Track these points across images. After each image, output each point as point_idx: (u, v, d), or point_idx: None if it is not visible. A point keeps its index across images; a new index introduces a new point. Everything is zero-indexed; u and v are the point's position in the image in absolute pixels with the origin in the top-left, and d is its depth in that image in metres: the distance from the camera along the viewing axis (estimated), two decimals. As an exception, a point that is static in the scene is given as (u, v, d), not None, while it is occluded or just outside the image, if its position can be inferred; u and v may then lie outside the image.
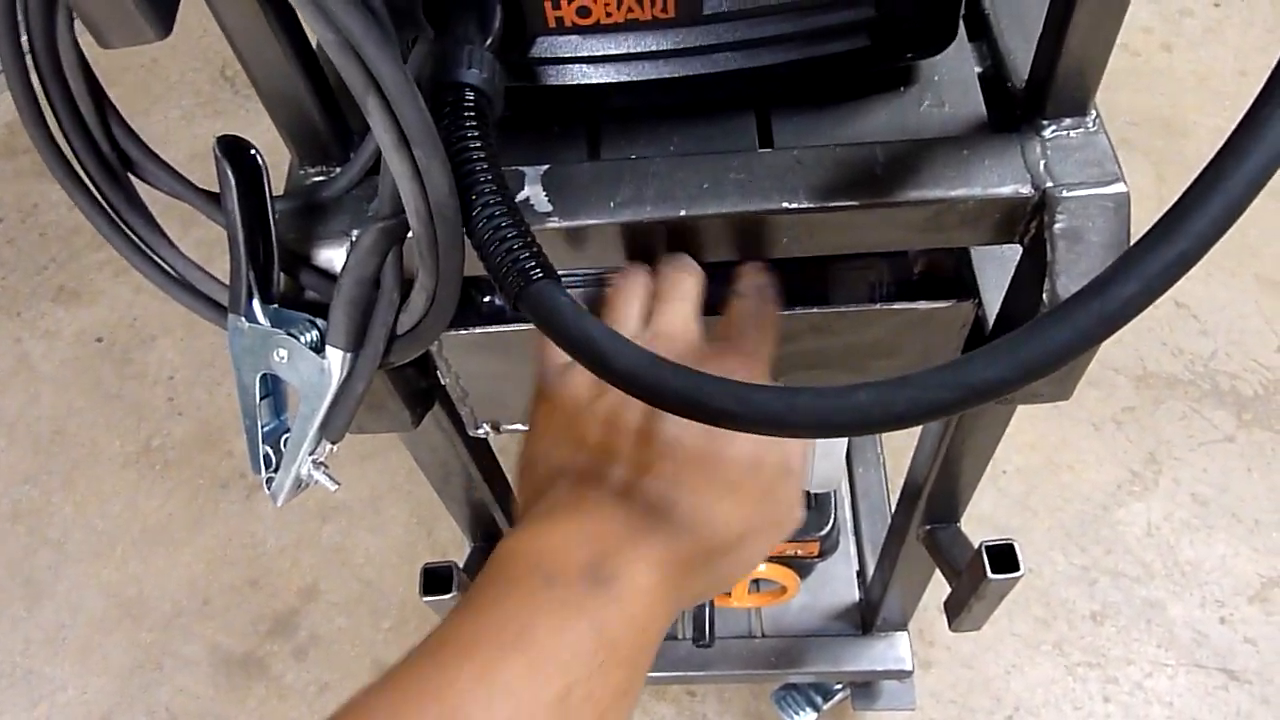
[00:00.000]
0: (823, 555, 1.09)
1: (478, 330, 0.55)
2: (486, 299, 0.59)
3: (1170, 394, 1.48)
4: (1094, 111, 0.49)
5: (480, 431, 0.65)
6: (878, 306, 0.54)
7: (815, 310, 0.54)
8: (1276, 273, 1.57)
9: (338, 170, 0.51)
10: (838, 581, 1.15)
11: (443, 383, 0.60)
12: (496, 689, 0.33)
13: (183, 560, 1.44)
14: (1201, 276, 1.57)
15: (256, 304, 0.45)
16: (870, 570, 1.13)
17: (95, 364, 1.64)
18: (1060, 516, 1.40)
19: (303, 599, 1.40)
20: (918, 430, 0.77)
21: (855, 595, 1.15)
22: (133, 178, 0.47)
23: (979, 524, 1.39)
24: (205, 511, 1.48)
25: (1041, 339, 0.31)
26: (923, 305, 0.54)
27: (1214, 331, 1.53)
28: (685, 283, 0.48)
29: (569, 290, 0.38)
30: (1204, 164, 0.30)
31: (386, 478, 1.48)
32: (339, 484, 0.49)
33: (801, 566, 1.11)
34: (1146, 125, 1.74)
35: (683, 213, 0.48)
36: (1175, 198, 0.30)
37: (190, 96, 1.96)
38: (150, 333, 1.65)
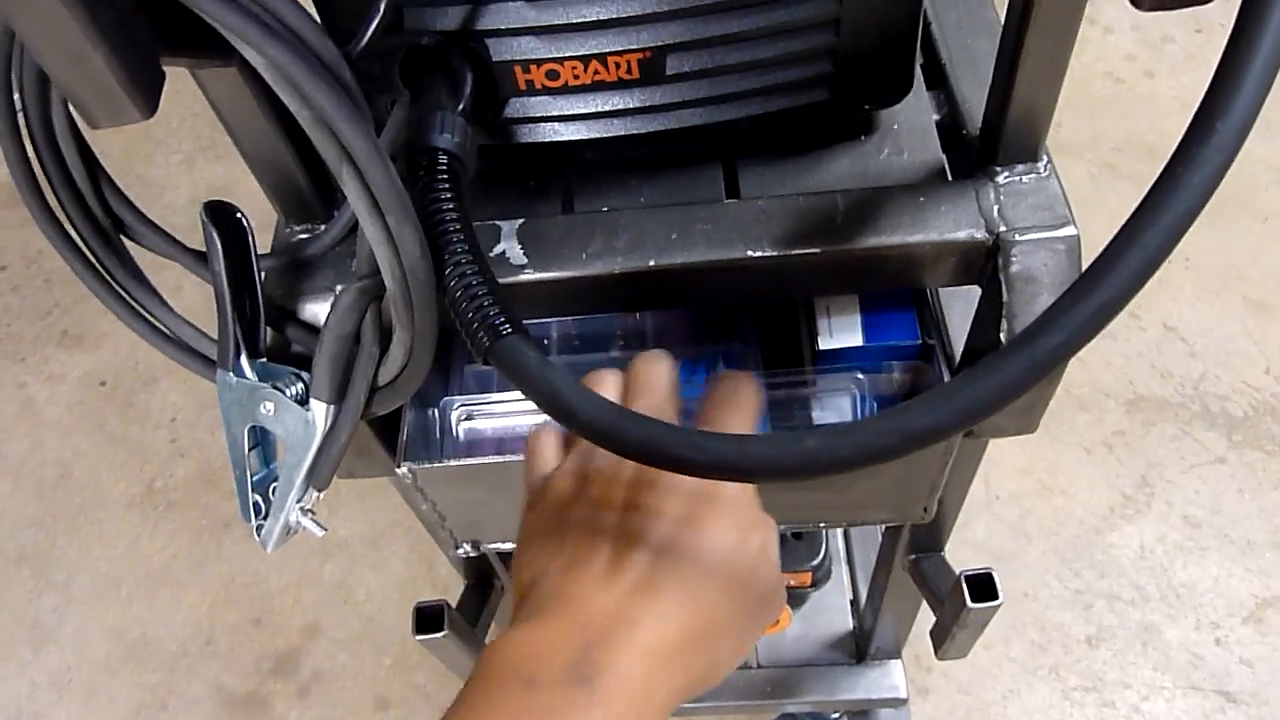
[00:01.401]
0: (815, 585, 1.10)
1: (451, 464, 0.57)
2: (462, 424, 0.61)
3: (1161, 416, 1.49)
4: (1045, 157, 0.51)
5: (460, 551, 0.67)
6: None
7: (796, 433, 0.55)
8: (1262, 294, 1.59)
9: (322, 228, 0.53)
10: (832, 610, 1.16)
11: (419, 510, 0.62)
12: None
13: (186, 600, 1.46)
14: (1189, 299, 1.59)
15: (244, 359, 0.47)
16: (864, 598, 1.15)
17: (99, 407, 1.67)
18: (1054, 541, 1.41)
19: (305, 637, 1.41)
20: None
21: (849, 624, 1.16)
22: (125, 239, 0.49)
23: (973, 550, 1.40)
24: (208, 551, 1.49)
25: (976, 387, 0.33)
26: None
27: (1202, 354, 1.54)
28: (657, 371, 0.47)
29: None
30: None
31: (387, 514, 1.50)
32: (326, 529, 0.51)
33: (795, 596, 1.13)
34: (1131, 150, 1.76)
35: (652, 263, 0.50)
36: None
37: (191, 141, 1.99)
38: (152, 375, 1.67)
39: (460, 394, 0.63)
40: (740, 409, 0.46)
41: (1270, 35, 0.31)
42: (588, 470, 0.44)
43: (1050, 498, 1.44)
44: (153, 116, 0.38)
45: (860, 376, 0.61)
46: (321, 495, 0.50)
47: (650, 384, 0.46)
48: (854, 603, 1.18)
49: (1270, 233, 1.65)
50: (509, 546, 0.67)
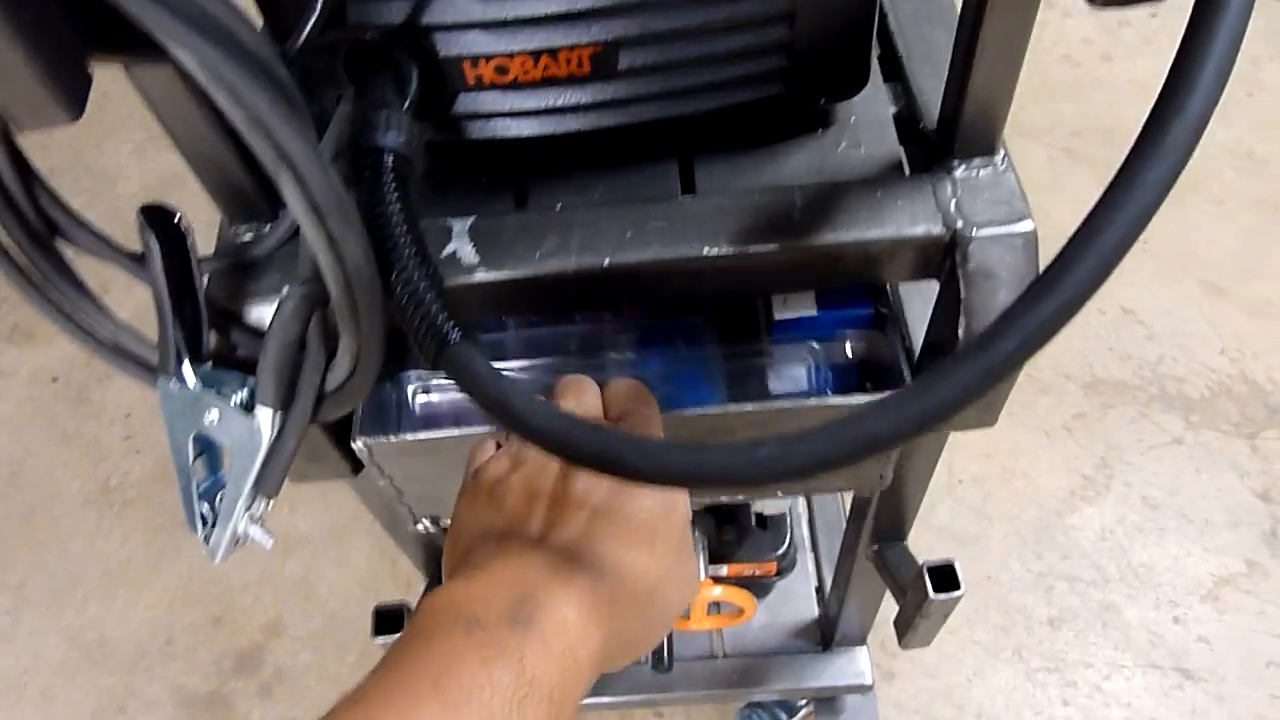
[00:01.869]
0: (781, 574, 1.10)
1: (409, 437, 0.56)
2: (418, 398, 0.60)
3: (1119, 399, 1.51)
4: (1002, 150, 0.51)
5: (420, 527, 0.66)
6: (812, 401, 0.55)
7: (751, 407, 0.55)
8: (1217, 277, 1.61)
9: (267, 228, 0.52)
10: (797, 599, 1.16)
11: (378, 484, 0.61)
12: None
13: (144, 601, 1.43)
14: (1146, 282, 1.61)
15: (186, 366, 0.46)
16: (829, 585, 1.15)
17: (51, 404, 1.63)
18: (1016, 524, 1.42)
19: (267, 635, 1.39)
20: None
21: (815, 611, 1.16)
22: (60, 241, 0.48)
23: (937, 534, 1.41)
24: (166, 550, 1.47)
25: (932, 393, 0.32)
26: (859, 399, 0.55)
27: (1160, 336, 1.56)
28: (584, 384, 0.51)
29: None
30: None
31: (348, 510, 1.48)
32: (274, 539, 0.50)
33: (760, 586, 1.13)
34: (1089, 135, 1.77)
35: (606, 261, 0.49)
36: None
37: (141, 130, 1.95)
38: (105, 371, 1.63)
39: (416, 367, 0.62)
40: (644, 399, 0.50)
41: (1225, 31, 0.30)
42: (522, 453, 0.47)
43: (1011, 481, 1.45)
44: (80, 118, 0.37)
45: (815, 346, 0.61)
46: (271, 503, 0.49)
47: (580, 387, 0.49)
48: (819, 590, 1.18)
49: (1225, 216, 1.67)
50: None
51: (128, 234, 0.48)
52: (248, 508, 0.48)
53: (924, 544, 1.42)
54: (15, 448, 1.59)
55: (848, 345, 0.61)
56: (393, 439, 0.57)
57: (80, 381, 1.65)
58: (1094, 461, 1.46)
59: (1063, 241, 0.33)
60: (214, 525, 0.49)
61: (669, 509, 0.44)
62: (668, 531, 0.44)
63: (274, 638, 1.39)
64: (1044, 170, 1.74)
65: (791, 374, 0.61)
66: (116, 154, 1.92)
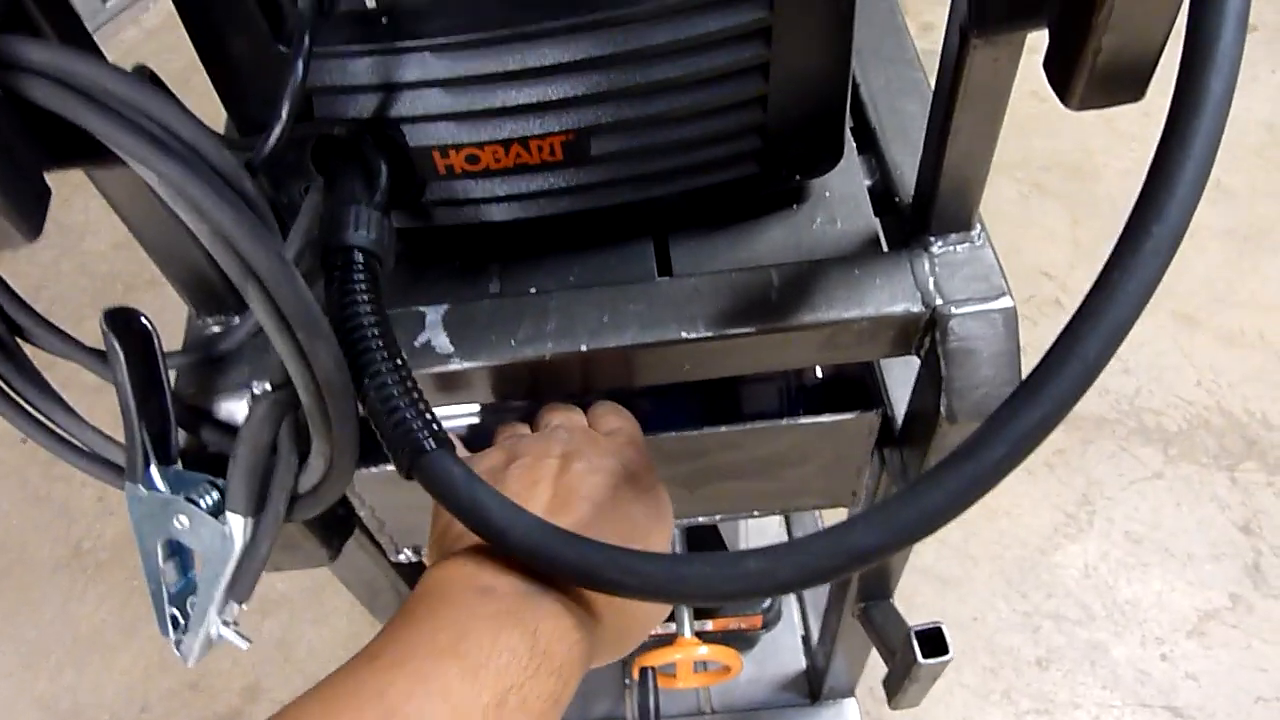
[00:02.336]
0: (766, 627, 1.09)
1: (387, 467, 0.54)
2: None
3: (1098, 434, 1.51)
4: (979, 225, 0.51)
5: (402, 557, 0.65)
6: (784, 422, 0.55)
7: (724, 429, 0.55)
8: (1190, 308, 1.62)
9: (235, 320, 0.51)
10: (784, 651, 1.15)
11: (359, 514, 0.60)
12: (434, 693, 0.33)
13: (119, 666, 1.40)
14: (1121, 316, 1.61)
15: (154, 470, 0.45)
16: (815, 636, 1.14)
17: (21, 466, 1.60)
18: (1000, 563, 1.42)
19: (245, 699, 1.36)
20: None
21: (802, 663, 1.15)
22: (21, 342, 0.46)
23: (921, 576, 1.41)
24: (140, 614, 1.44)
25: (918, 505, 0.32)
26: (828, 418, 0.55)
27: (1136, 369, 1.56)
28: (568, 406, 0.51)
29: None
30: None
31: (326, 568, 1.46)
32: (250, 641, 0.48)
33: (746, 640, 1.12)
34: (1058, 170, 1.79)
35: (583, 347, 0.49)
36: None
37: (111, 184, 1.93)
38: (77, 430, 1.61)
39: None
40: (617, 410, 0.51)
41: (1203, 136, 0.30)
42: (518, 446, 0.46)
43: (995, 520, 1.45)
44: (38, 238, 0.36)
45: None
46: (243, 607, 0.47)
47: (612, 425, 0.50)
48: (805, 640, 1.17)
49: (1194, 247, 1.68)
50: None
51: (96, 290, 0.47)
52: (220, 612, 0.46)
53: (908, 585, 1.41)
54: (-16, 511, 1.56)
55: (817, 365, 0.60)
56: (374, 470, 0.55)
57: (51, 441, 1.62)
58: (1075, 498, 1.46)
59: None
60: (186, 630, 0.47)
61: (660, 515, 0.46)
62: (661, 532, 0.45)
63: (252, 702, 1.36)
64: (1015, 205, 1.75)
65: (763, 394, 0.61)
66: (86, 208, 1.90)
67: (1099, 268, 0.32)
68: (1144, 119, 1.83)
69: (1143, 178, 0.31)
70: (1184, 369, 1.57)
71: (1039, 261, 1.65)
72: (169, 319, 0.53)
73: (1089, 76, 0.33)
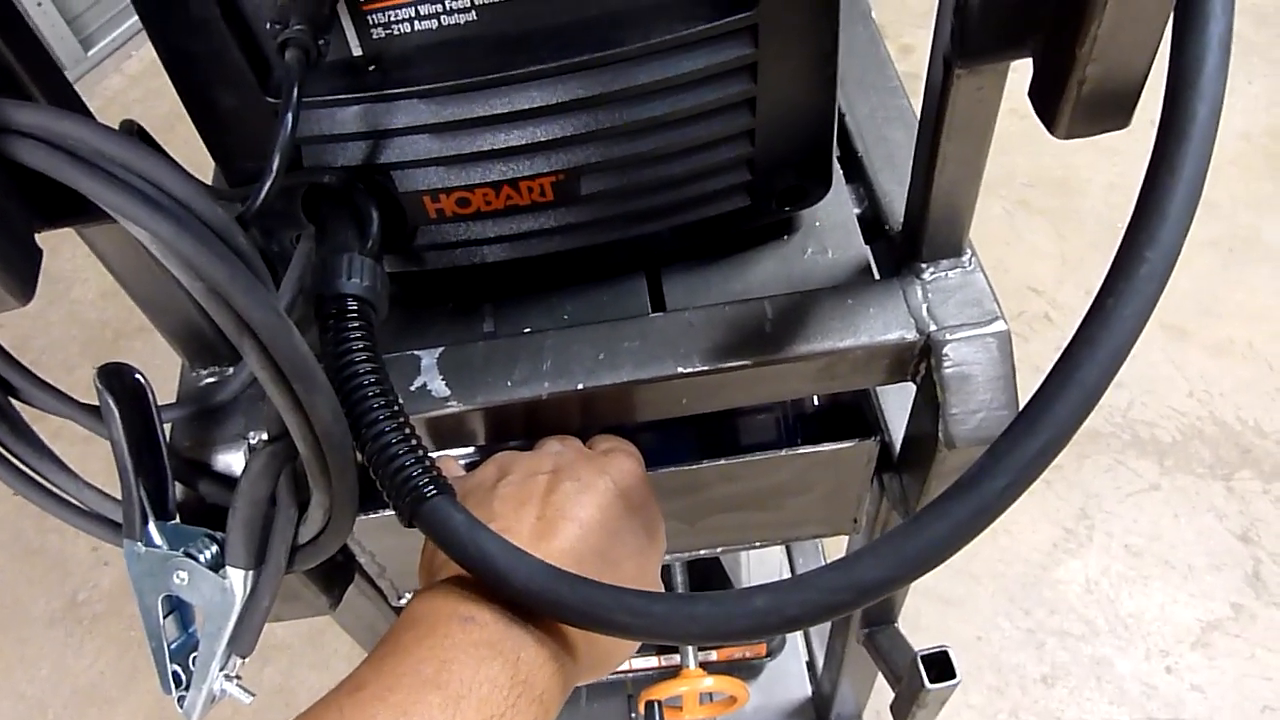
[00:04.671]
0: (771, 654, 1.09)
1: (386, 513, 0.54)
2: None
3: (1094, 448, 1.51)
4: (969, 250, 0.51)
5: (403, 601, 0.64)
6: (783, 452, 0.55)
7: (723, 462, 0.54)
8: (1178, 319, 1.63)
9: (230, 370, 0.50)
10: (789, 678, 1.14)
11: (359, 560, 0.59)
12: None
13: (117, 719, 1.38)
14: (1110, 329, 1.62)
15: (152, 526, 0.44)
16: (820, 662, 1.13)
17: (14, 518, 1.59)
18: (1003, 581, 1.41)
19: (247, 747, 1.35)
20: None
21: (808, 690, 1.14)
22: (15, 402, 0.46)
23: (923, 596, 1.40)
24: (139, 665, 1.42)
25: (923, 537, 0.32)
26: (827, 447, 0.55)
27: (1128, 383, 1.57)
28: (565, 437, 0.51)
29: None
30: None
31: (325, 609, 1.45)
32: (254, 695, 0.48)
33: (751, 669, 1.11)
34: (1042, 186, 1.80)
35: (580, 386, 0.49)
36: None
37: (98, 232, 1.93)
38: (70, 480, 1.60)
39: None
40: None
41: (1192, 160, 0.30)
42: (508, 463, 0.46)
43: (995, 538, 1.45)
44: (31, 300, 0.36)
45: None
46: (246, 660, 0.47)
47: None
48: (810, 666, 1.16)
49: (1181, 259, 1.68)
50: None
51: (86, 339, 0.47)
52: (222, 667, 0.46)
53: (911, 606, 1.39)
54: (-23, 566, 1.55)
55: (813, 395, 0.60)
56: (373, 516, 0.55)
57: (43, 493, 1.60)
58: (1074, 513, 1.46)
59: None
60: (188, 686, 0.47)
61: (653, 532, 0.46)
62: (654, 550, 0.46)
63: (254, 750, 1.34)
64: (1001, 223, 1.76)
65: (761, 425, 0.60)
66: (73, 257, 1.89)
67: (1087, 282, 0.32)
68: (1126, 134, 1.83)
69: (1127, 192, 0.32)
70: (1176, 380, 1.57)
71: (1027, 278, 1.65)
72: (160, 365, 0.53)
73: (1075, 106, 0.34)
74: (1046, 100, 0.35)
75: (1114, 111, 0.34)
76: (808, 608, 0.32)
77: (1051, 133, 0.35)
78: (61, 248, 1.91)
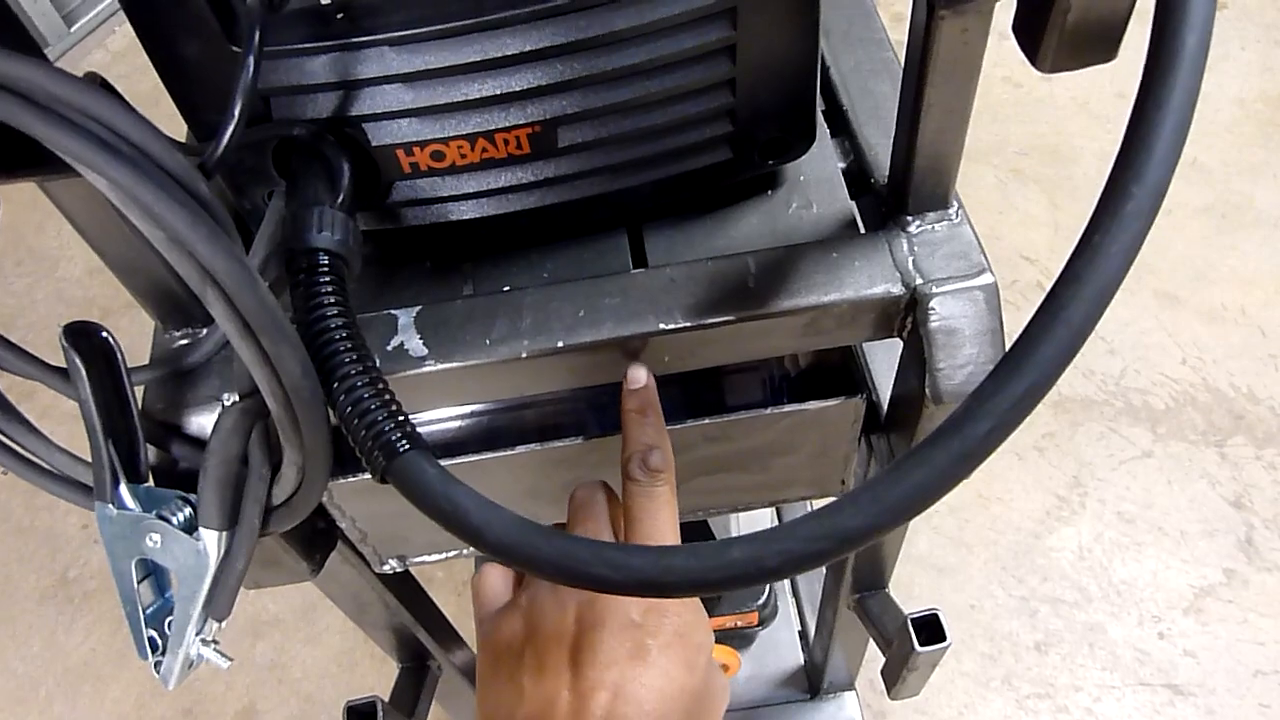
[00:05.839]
0: (763, 624, 1.08)
1: (366, 476, 0.53)
2: None
3: (1086, 415, 1.51)
4: (955, 203, 0.50)
5: (387, 568, 0.63)
6: (769, 411, 0.54)
7: (708, 421, 0.54)
8: (1171, 286, 1.62)
9: (203, 331, 0.49)
10: (781, 647, 1.14)
11: (340, 525, 0.59)
12: None
13: (110, 696, 1.38)
14: (1103, 297, 1.61)
15: (124, 488, 0.43)
16: (812, 631, 1.13)
17: (3, 496, 1.58)
18: (995, 549, 1.41)
19: (240, 722, 1.35)
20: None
21: (800, 659, 1.14)
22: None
23: (917, 565, 1.40)
24: (130, 642, 1.41)
25: (906, 483, 0.31)
26: (813, 405, 0.54)
27: (1121, 350, 1.56)
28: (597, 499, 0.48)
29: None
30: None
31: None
32: (231, 660, 0.47)
33: (743, 637, 1.11)
34: (1035, 154, 1.79)
35: (560, 343, 0.48)
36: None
37: (83, 209, 1.91)
38: (58, 458, 1.59)
39: None
40: (594, 518, 0.47)
41: (1179, 93, 0.29)
42: (534, 612, 0.44)
43: (988, 506, 1.45)
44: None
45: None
46: (223, 625, 0.46)
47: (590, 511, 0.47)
48: (803, 635, 1.16)
49: (1173, 225, 1.68)
50: (436, 559, 0.64)
51: (72, 317, 0.46)
52: (198, 632, 0.45)
53: (904, 574, 1.40)
54: (-33, 545, 1.54)
55: (799, 351, 0.59)
56: (352, 479, 0.54)
57: (32, 471, 1.60)
58: (1067, 480, 1.46)
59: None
60: (164, 651, 0.46)
61: (690, 666, 0.42)
62: (692, 688, 0.42)
63: (248, 725, 1.34)
64: (994, 192, 1.75)
65: (746, 386, 0.60)
66: (59, 234, 1.88)
67: None
68: (1119, 100, 1.83)
69: None
70: (1168, 347, 1.57)
71: (1019, 246, 1.64)
72: (146, 341, 0.52)
73: (1059, 38, 0.32)
74: (1030, 32, 0.34)
75: (1099, 44, 0.33)
76: (787, 557, 0.32)
77: (1035, 66, 0.34)
78: (47, 224, 1.90)
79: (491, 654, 0.45)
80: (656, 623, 0.42)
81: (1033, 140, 1.81)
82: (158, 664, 0.46)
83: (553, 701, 0.41)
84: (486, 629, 0.46)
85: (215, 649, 0.46)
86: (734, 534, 1.00)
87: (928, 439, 0.31)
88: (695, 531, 0.96)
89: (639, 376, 0.49)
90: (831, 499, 0.66)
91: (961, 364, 0.48)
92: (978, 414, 0.30)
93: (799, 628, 1.18)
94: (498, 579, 0.48)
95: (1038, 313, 0.31)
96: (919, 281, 0.48)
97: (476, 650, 0.47)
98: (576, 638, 0.42)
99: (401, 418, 0.38)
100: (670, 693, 0.41)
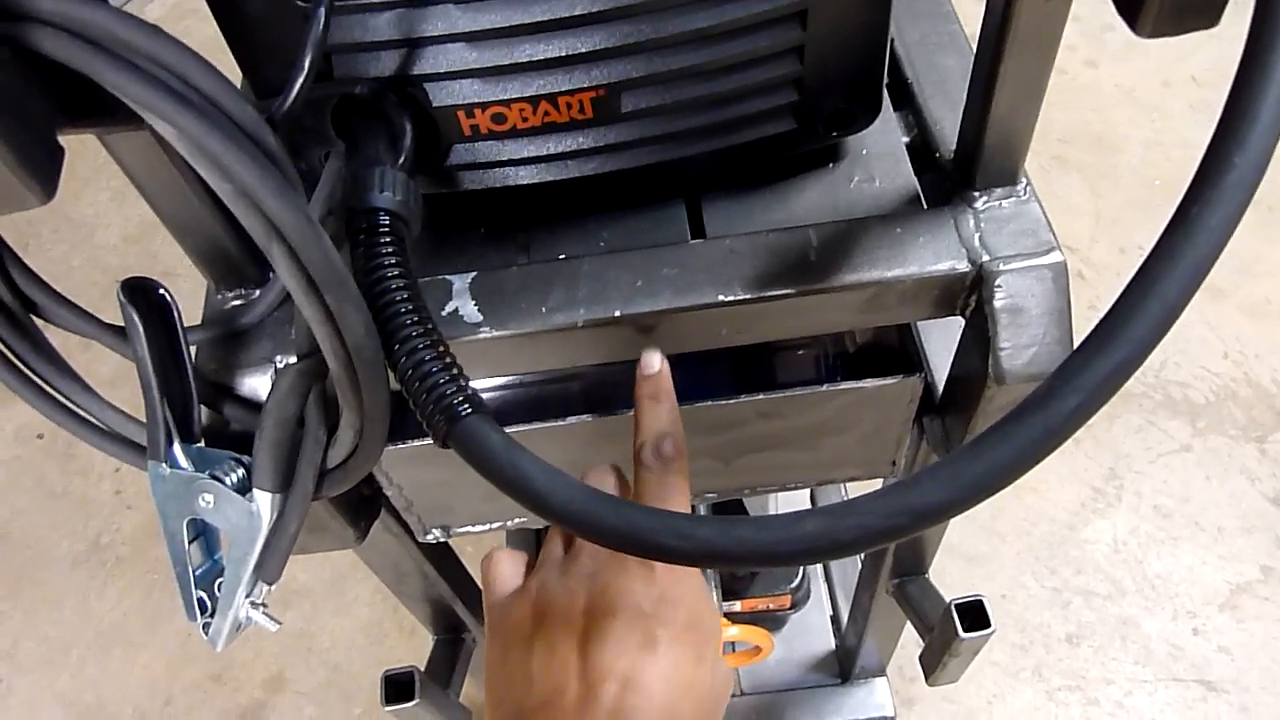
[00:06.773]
0: (795, 607, 1.08)
1: (415, 443, 0.53)
2: None
3: (1125, 408, 1.49)
4: (1024, 180, 0.49)
5: (430, 537, 0.63)
6: (824, 388, 0.53)
7: (762, 396, 0.53)
8: (1214, 279, 1.57)
9: (256, 293, 0.49)
10: (813, 631, 1.14)
11: (386, 493, 0.58)
12: None
13: (141, 661, 1.39)
14: (1145, 288, 1.59)
15: (177, 448, 0.43)
16: (844, 615, 1.12)
17: (37, 461, 1.59)
18: (1028, 540, 1.40)
19: (269, 690, 1.36)
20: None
21: (831, 643, 1.13)
22: (37, 320, 0.45)
23: (948, 554, 1.38)
24: (161, 607, 1.43)
25: (985, 459, 0.30)
26: (869, 384, 0.53)
27: (1162, 342, 1.54)
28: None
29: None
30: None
31: (348, 556, 1.44)
32: (280, 623, 0.47)
33: (776, 620, 1.10)
34: (1078, 142, 1.76)
35: (617, 313, 0.47)
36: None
37: (119, 177, 1.88)
38: (93, 424, 1.60)
39: None
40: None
41: (1284, 60, 0.28)
42: (544, 599, 0.43)
43: (1021, 496, 1.43)
44: (53, 199, 0.34)
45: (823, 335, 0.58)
46: (273, 588, 0.46)
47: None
48: (834, 620, 1.16)
49: (1219, 216, 1.65)
50: (481, 529, 0.64)
51: (108, 284, 0.46)
52: (248, 594, 0.45)
53: (936, 564, 1.39)
54: (2, 508, 1.55)
55: (857, 328, 0.59)
56: (401, 446, 0.54)
57: (67, 437, 1.59)
58: (1103, 473, 1.44)
59: None
60: (213, 613, 0.46)
61: (699, 658, 0.41)
62: (700, 679, 0.41)
63: (276, 693, 1.35)
64: (1035, 179, 1.70)
65: (800, 363, 0.59)
66: (95, 201, 1.89)
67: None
68: (1165, 89, 1.80)
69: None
70: (1210, 341, 1.54)
71: (1060, 235, 1.59)
72: (184, 309, 0.51)
73: (1161, 1, 0.31)
74: (1129, -4, 0.32)
75: (1203, 7, 0.31)
76: (862, 532, 0.31)
77: (1135, 32, 0.33)
78: (83, 192, 1.91)
79: (501, 640, 0.44)
80: (668, 613, 0.41)
81: (1076, 128, 1.78)
82: (206, 625, 0.46)
83: (561, 690, 0.40)
84: (496, 614, 0.45)
85: (264, 612, 0.46)
86: (771, 514, 0.99)
87: (1009, 415, 0.30)
88: (730, 511, 0.95)
89: (653, 362, 0.47)
90: (879, 481, 0.66)
91: (1027, 344, 0.47)
92: (1064, 390, 0.29)
93: (831, 613, 1.18)
94: (508, 564, 0.47)
95: (1129, 287, 0.30)
96: (985, 258, 0.47)
97: (485, 635, 0.46)
98: (587, 626, 0.41)
99: (464, 381, 0.37)
100: (679, 683, 0.41)
